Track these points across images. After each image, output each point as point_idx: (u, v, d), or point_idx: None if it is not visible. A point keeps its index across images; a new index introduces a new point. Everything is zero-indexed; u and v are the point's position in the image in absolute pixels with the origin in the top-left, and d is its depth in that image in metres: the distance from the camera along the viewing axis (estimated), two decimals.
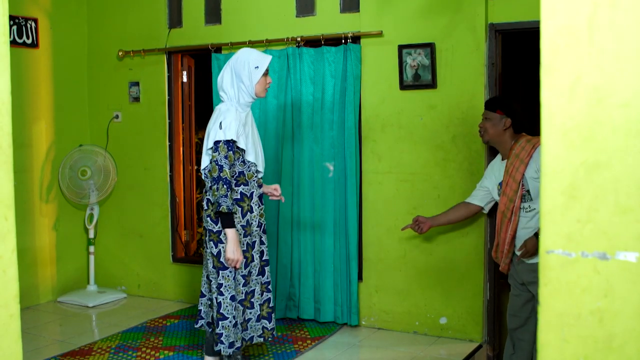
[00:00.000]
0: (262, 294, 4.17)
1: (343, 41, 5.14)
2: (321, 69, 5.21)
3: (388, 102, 5.08)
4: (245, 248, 4.04)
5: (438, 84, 4.90)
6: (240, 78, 3.97)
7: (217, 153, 3.86)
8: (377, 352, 4.80)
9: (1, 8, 1.34)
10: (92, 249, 6.22)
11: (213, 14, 5.78)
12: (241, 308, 4.08)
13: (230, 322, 4.01)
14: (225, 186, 3.84)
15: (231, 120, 3.89)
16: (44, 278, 6.11)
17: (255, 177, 4.09)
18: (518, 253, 4.01)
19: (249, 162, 4.02)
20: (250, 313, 4.14)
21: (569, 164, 1.23)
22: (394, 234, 5.12)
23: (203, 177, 4.04)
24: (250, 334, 4.15)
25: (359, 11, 5.16)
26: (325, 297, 5.29)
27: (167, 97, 6.05)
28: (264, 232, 4.20)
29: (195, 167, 6.42)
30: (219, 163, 3.85)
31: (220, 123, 3.89)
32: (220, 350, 4.02)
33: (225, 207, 3.83)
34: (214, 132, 3.91)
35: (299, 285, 5.38)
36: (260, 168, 4.12)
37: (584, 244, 1.22)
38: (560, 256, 1.23)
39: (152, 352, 4.77)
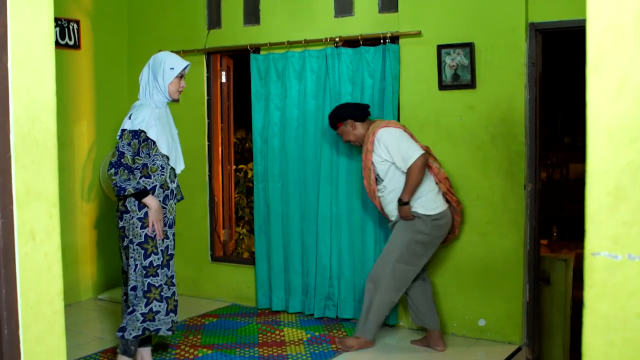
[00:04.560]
0: (168, 288, 4.21)
1: (382, 41, 5.12)
2: (360, 69, 5.20)
3: (427, 102, 5.06)
4: (144, 240, 4.11)
5: (477, 84, 4.86)
6: (155, 77, 4.12)
7: (120, 140, 4.01)
8: (415, 352, 4.77)
9: (46, 10, 1.36)
10: None
11: (252, 14, 5.81)
12: (144, 299, 4.14)
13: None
14: (126, 171, 3.98)
15: (143, 113, 4.02)
16: (84, 276, 6.20)
17: (161, 172, 4.15)
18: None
19: (157, 154, 4.10)
20: (160, 306, 4.18)
21: (615, 165, 1.21)
22: None
23: None
24: (157, 326, 4.19)
25: (397, 11, 5.14)
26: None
27: (206, 97, 6.10)
28: (170, 226, 4.25)
29: (234, 167, 6.45)
30: (120, 150, 3.99)
31: (131, 115, 4.04)
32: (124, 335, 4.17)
33: (131, 188, 3.98)
34: (123, 122, 4.05)
35: (338, 284, 5.38)
36: (173, 164, 4.24)
37: (630, 246, 1.20)
38: (606, 259, 1.21)
39: (191, 350, 4.81)
